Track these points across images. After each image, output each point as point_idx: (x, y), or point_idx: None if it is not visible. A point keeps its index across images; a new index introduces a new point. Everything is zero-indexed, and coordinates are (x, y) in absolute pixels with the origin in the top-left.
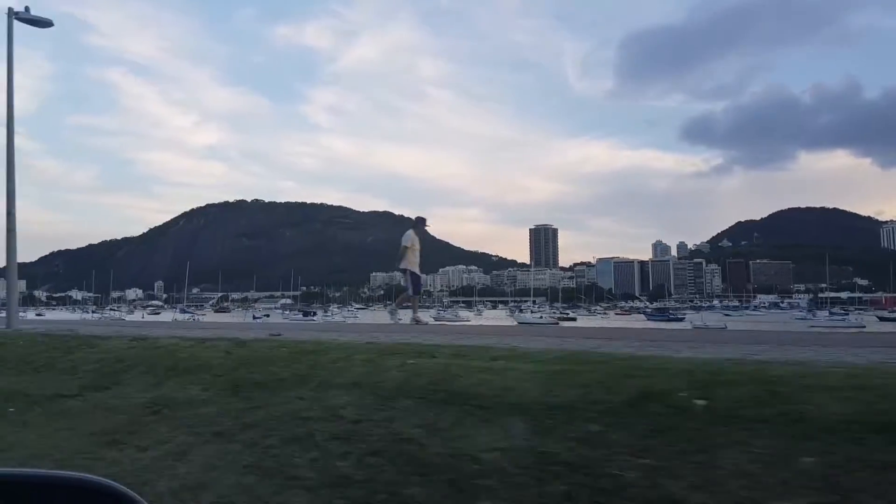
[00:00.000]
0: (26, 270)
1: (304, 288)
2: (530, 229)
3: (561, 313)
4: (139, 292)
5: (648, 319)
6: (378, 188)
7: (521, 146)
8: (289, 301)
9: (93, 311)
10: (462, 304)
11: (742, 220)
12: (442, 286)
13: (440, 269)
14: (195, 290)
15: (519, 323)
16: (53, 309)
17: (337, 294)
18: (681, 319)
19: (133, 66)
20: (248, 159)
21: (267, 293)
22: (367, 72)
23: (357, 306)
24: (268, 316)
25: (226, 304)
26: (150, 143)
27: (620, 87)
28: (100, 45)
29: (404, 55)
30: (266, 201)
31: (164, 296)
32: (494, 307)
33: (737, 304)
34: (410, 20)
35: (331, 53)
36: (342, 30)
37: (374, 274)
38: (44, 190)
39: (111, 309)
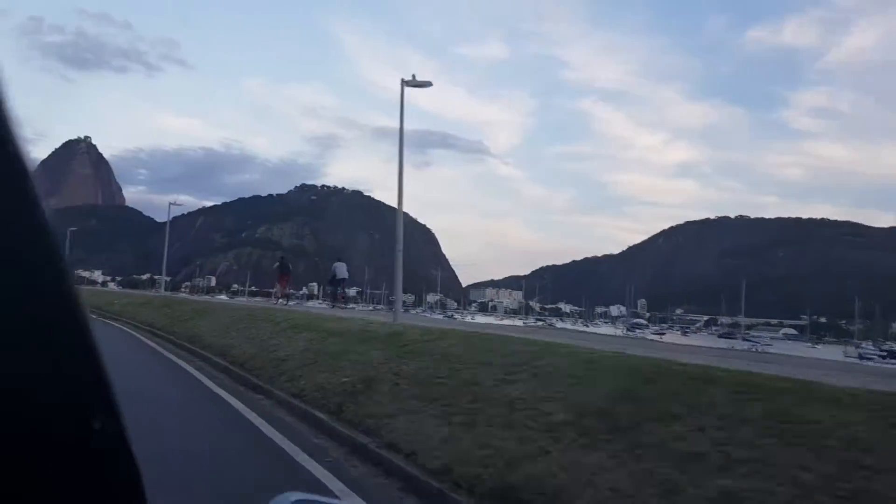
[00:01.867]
0: (520, 283)
1: (806, 317)
2: None
3: None
4: (622, 309)
5: None
6: (891, 200)
7: None
8: (792, 331)
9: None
10: None
11: None
12: None
13: None
14: (678, 311)
15: None
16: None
17: (852, 327)
18: None
19: (603, 94)
20: (722, 174)
21: (760, 319)
22: (864, 64)
23: None
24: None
25: (721, 328)
26: (621, 164)
27: None
28: (572, 79)
29: None
30: (752, 217)
31: (647, 314)
32: None
33: None
34: None
35: (816, 50)
36: (830, 20)
37: None
38: (529, 212)
39: (635, 327)
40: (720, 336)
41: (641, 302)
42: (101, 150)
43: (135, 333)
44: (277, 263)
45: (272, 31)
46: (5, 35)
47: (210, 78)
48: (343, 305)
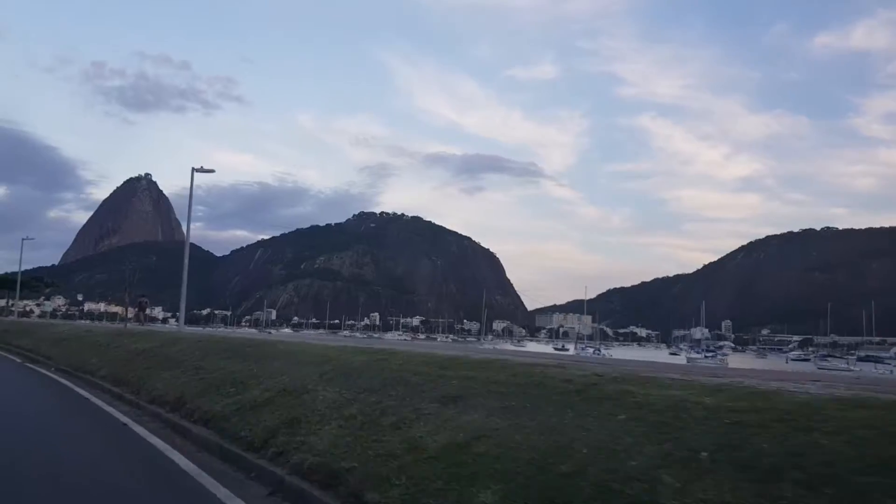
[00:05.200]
0: (587, 307)
1: None
2: None
3: None
4: (705, 331)
5: None
6: None
7: None
8: None
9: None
10: None
11: None
12: None
13: None
14: (765, 332)
15: None
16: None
17: None
18: None
19: (660, 109)
20: (788, 186)
21: (860, 338)
22: None
23: None
24: None
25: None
26: (680, 181)
27: None
28: (629, 95)
29: None
30: (840, 229)
31: (733, 336)
32: None
33: None
34: None
35: (889, 52)
36: None
37: None
38: (585, 234)
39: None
40: (859, 360)
41: (726, 323)
42: (160, 187)
43: None
44: None
45: (322, 63)
46: (70, 81)
47: (263, 113)
48: None
